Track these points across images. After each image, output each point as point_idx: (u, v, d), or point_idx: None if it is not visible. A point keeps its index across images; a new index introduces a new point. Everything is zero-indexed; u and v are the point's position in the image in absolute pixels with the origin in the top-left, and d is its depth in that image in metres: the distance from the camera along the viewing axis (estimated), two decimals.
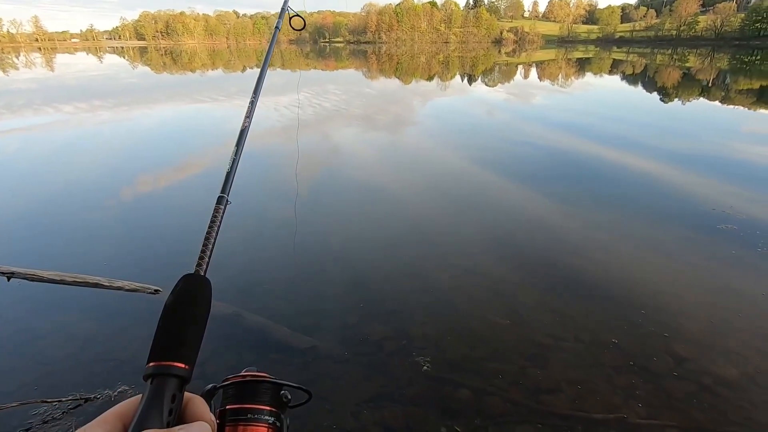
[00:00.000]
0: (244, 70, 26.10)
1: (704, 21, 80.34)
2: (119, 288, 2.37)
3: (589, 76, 20.70)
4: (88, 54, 53.82)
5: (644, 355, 2.18)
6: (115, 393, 1.92)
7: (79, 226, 3.74)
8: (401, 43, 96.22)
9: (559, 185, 4.87)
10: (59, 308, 2.54)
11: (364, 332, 2.36)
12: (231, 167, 0.62)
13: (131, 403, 0.35)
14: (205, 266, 0.45)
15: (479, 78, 20.03)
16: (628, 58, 36.54)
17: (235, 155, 0.62)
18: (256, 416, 0.40)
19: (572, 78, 19.87)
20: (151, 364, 0.36)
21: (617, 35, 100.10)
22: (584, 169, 5.51)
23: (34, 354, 2.16)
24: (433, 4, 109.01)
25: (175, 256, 3.17)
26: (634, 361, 2.14)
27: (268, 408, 0.41)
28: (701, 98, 12.73)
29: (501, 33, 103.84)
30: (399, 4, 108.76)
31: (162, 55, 46.48)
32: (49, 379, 1.99)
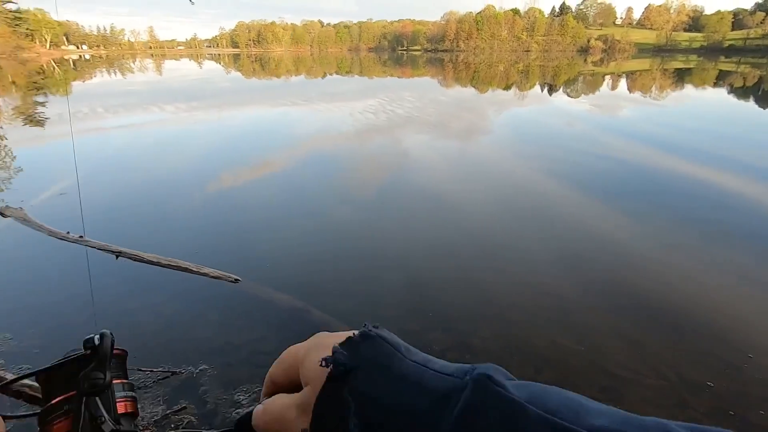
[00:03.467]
0: (324, 76, 27.33)
1: None
2: (205, 274, 2.61)
3: (688, 89, 18.83)
4: (190, 60, 59.86)
5: (749, 407, 1.92)
6: (197, 370, 2.11)
7: (175, 214, 4.16)
8: (479, 51, 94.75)
9: (642, 204, 4.48)
10: (154, 287, 2.84)
11: (425, 340, 2.35)
12: None
13: None
14: None
15: (560, 88, 19.09)
16: (739, 69, 32.63)
17: None
18: (128, 392, 0.37)
19: (667, 90, 18.18)
20: None
21: (726, 44, 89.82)
22: (674, 189, 5.02)
23: (132, 326, 2.44)
24: (516, 12, 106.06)
25: (255, 249, 3.40)
26: (734, 411, 1.90)
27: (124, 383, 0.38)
28: None
29: (588, 41, 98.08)
30: (480, 12, 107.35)
31: (252, 61, 50.26)
32: (142, 350, 2.24)
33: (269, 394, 0.33)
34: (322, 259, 3.27)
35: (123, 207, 4.36)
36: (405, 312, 2.63)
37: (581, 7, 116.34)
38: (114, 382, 0.35)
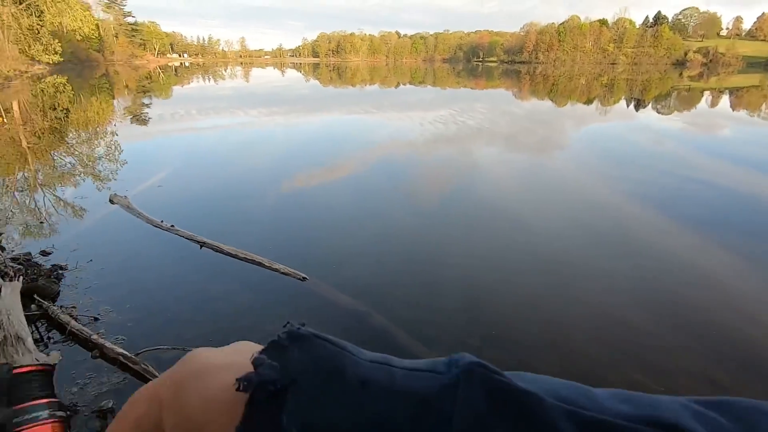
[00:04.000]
0: (397, 86, 27.80)
1: None
2: (276, 270, 2.78)
3: None
4: (274, 68, 64.05)
5: None
6: None
7: (252, 211, 4.47)
8: (560, 63, 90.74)
9: (743, 238, 3.98)
10: (230, 277, 3.07)
11: (487, 358, 2.28)
12: None
13: None
14: None
15: (649, 104, 17.66)
16: None
17: None
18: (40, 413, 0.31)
19: None
20: None
21: None
22: None
23: (209, 312, 2.66)
24: (603, 23, 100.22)
25: (322, 249, 3.55)
26: None
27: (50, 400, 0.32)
28: None
29: (685, 54, 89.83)
30: (563, 22, 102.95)
31: (330, 70, 52.58)
32: (217, 334, 2.42)
33: None
34: (385, 265, 3.32)
35: (207, 201, 4.76)
36: (465, 326, 2.58)
37: (679, 17, 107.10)
38: (31, 403, 0.30)
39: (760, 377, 2.21)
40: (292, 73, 46.57)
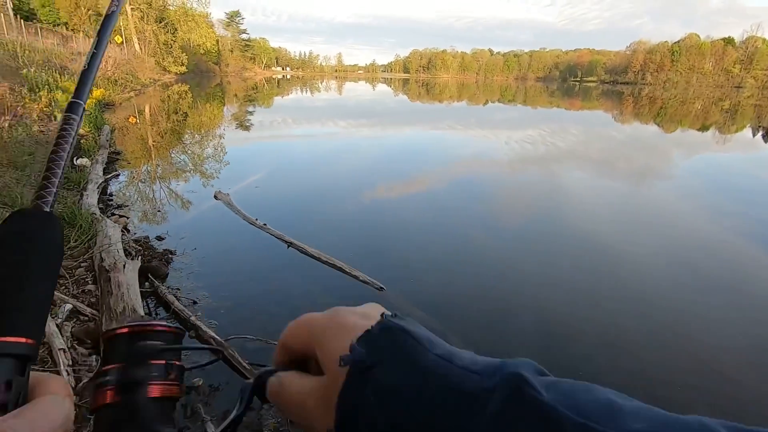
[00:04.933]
0: (485, 103, 27.38)
1: None
2: (355, 276, 2.88)
3: None
4: (366, 82, 66.90)
5: None
6: None
7: (336, 217, 4.68)
8: (671, 85, 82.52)
9: None
10: (312, 278, 3.24)
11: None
12: (88, 65, 0.38)
13: None
14: (51, 199, 0.32)
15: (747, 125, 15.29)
16: None
17: (95, 48, 0.38)
18: (167, 372, 0.32)
19: None
20: None
21: None
22: None
23: (291, 308, 2.82)
24: (729, 41, 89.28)
25: (401, 261, 3.60)
26: None
27: (174, 362, 0.33)
28: None
29: None
30: (679, 41, 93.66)
31: (419, 86, 53.50)
32: None
33: (283, 362, 0.31)
34: (460, 284, 3.27)
35: (297, 204, 5.10)
36: (534, 355, 2.44)
37: None
38: (154, 362, 0.32)
39: None
40: (382, 88, 48.19)
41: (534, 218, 4.99)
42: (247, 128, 12.24)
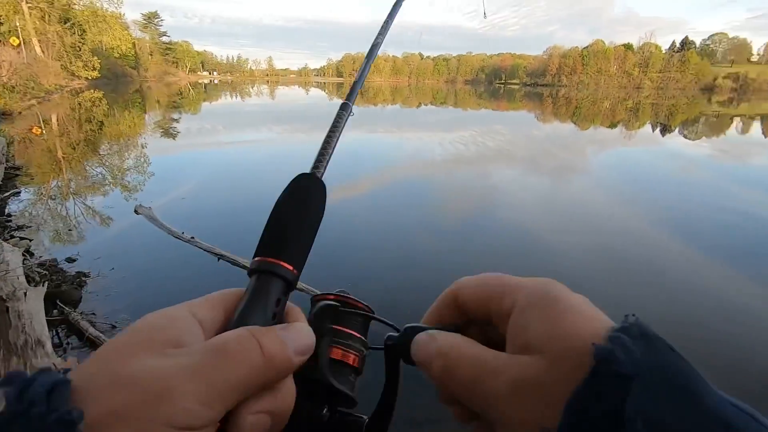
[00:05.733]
0: (419, 106, 28.12)
1: None
2: (301, 290, 2.79)
3: None
4: (299, 87, 65.86)
5: None
6: None
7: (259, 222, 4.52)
8: (583, 86, 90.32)
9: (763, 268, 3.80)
10: None
11: None
12: (359, 78, 0.56)
13: (234, 294, 0.31)
14: (323, 170, 0.42)
15: (676, 129, 17.32)
16: None
17: (364, 68, 0.55)
18: (352, 343, 0.36)
19: None
20: (257, 258, 0.33)
21: None
22: None
23: None
24: (629, 47, 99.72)
25: (344, 266, 3.56)
26: None
27: (361, 337, 0.37)
28: None
29: (714, 79, 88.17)
30: (587, 47, 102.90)
31: None
32: None
33: (440, 321, 0.29)
34: (403, 285, 3.30)
35: (229, 215, 4.86)
36: None
37: (707, 42, 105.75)
38: (351, 332, 0.36)
39: None
40: (316, 92, 47.74)
41: (470, 216, 5.18)
42: (172, 136, 11.52)
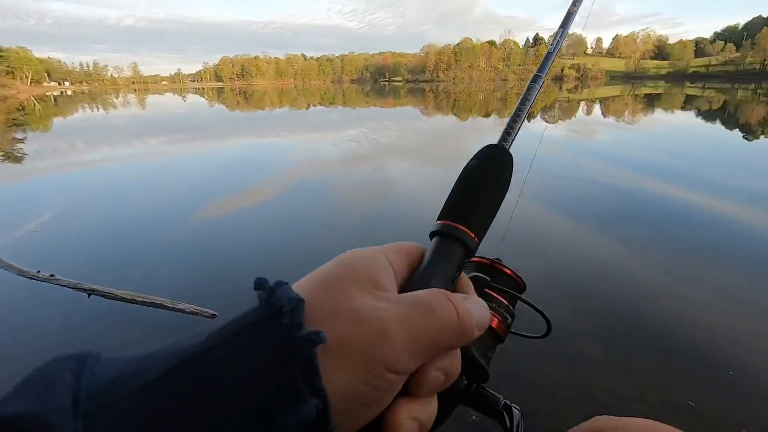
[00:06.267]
0: (308, 107, 27.75)
1: None
2: (180, 310, 2.52)
3: (659, 113, 19.64)
4: (174, 94, 60.30)
5: (728, 425, 1.90)
6: None
7: (152, 250, 4.05)
8: (459, 81, 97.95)
9: (626, 227, 4.55)
10: (128, 324, 2.72)
11: None
12: (553, 49, 0.54)
13: (417, 249, 0.31)
14: (510, 142, 0.41)
15: (538, 115, 19.73)
16: (704, 94, 34.30)
17: (560, 37, 0.55)
18: (501, 309, 0.36)
19: (639, 114, 18.95)
20: (441, 221, 0.33)
21: (690, 70, 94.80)
22: (654, 210, 5.13)
23: None
24: (492, 44, 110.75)
25: (234, 283, 3.32)
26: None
27: (509, 306, 0.36)
28: None
29: (562, 70, 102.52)
30: (458, 44, 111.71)
31: (236, 94, 50.88)
32: None
33: None
34: None
35: (98, 244, 4.23)
36: None
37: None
38: (492, 293, 0.35)
39: (654, 353, 2.49)
40: (195, 99, 44.15)
41: (372, 213, 5.24)
42: (17, 160, 9.68)
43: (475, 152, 0.40)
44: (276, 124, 17.53)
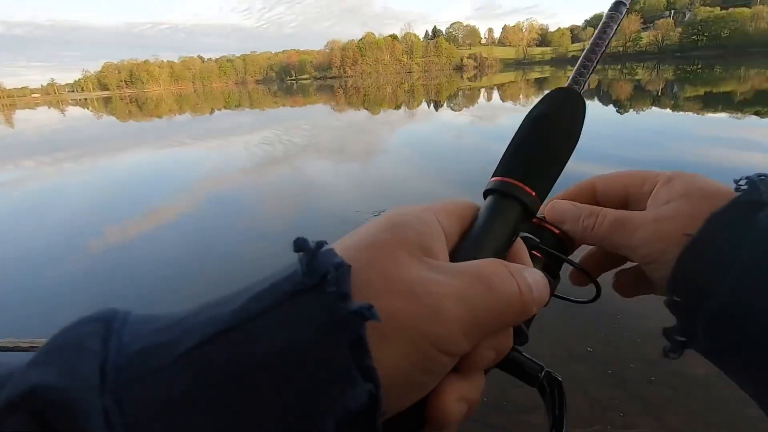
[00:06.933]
0: (211, 112, 26.13)
1: (647, 37, 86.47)
2: (28, 348, 2.22)
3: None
4: (50, 108, 52.94)
5: (620, 363, 2.17)
6: None
7: (44, 286, 3.53)
8: (366, 76, 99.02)
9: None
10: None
11: None
12: None
13: (470, 208, 0.29)
14: (583, 84, 0.36)
15: (445, 104, 20.68)
16: None
17: None
18: (546, 273, 0.34)
19: (533, 97, 20.76)
20: (496, 178, 0.29)
21: (570, 55, 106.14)
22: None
23: None
24: (394, 38, 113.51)
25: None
26: (612, 370, 2.13)
27: (554, 268, 0.34)
28: (654, 107, 13.47)
29: (461, 60, 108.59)
30: (361, 39, 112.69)
31: (127, 103, 46.16)
32: None
33: (576, 200, 0.33)
34: None
35: None
36: None
37: (450, 30, 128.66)
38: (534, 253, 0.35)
39: (558, 309, 2.74)
40: (77, 111, 39.23)
41: (295, 217, 5.08)
42: None
43: (542, 97, 0.35)
44: (178, 131, 16.25)
